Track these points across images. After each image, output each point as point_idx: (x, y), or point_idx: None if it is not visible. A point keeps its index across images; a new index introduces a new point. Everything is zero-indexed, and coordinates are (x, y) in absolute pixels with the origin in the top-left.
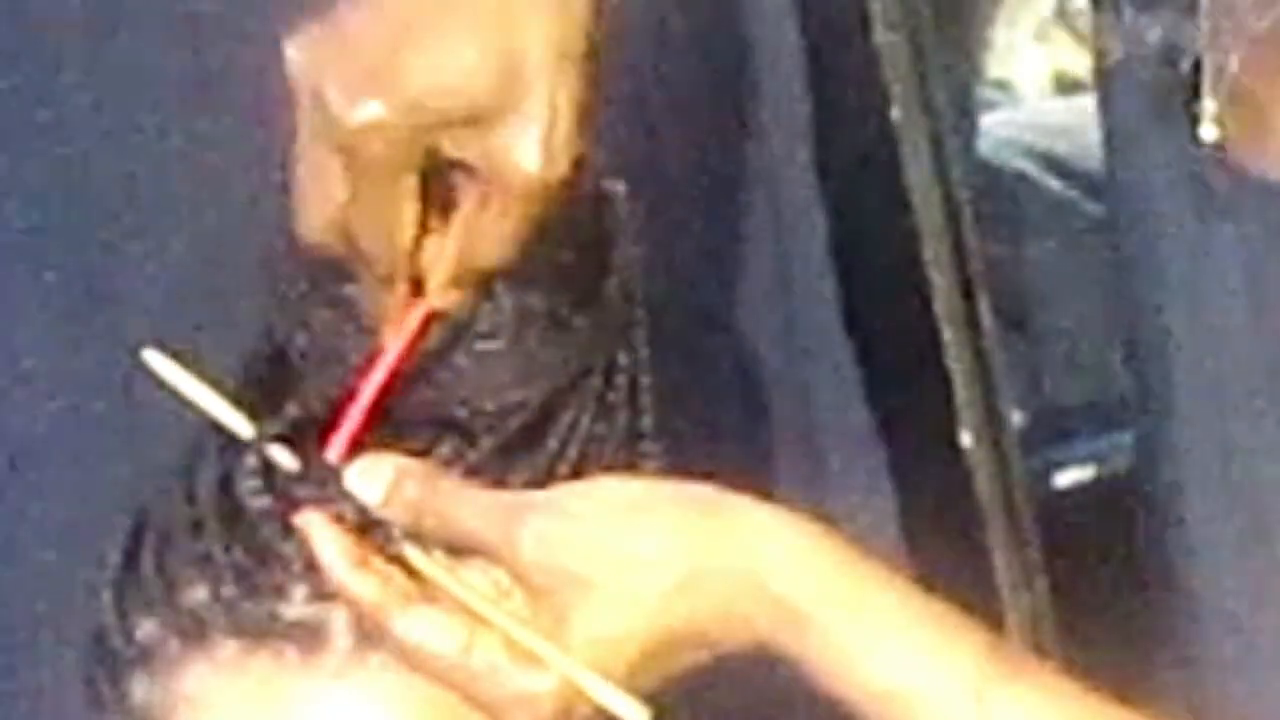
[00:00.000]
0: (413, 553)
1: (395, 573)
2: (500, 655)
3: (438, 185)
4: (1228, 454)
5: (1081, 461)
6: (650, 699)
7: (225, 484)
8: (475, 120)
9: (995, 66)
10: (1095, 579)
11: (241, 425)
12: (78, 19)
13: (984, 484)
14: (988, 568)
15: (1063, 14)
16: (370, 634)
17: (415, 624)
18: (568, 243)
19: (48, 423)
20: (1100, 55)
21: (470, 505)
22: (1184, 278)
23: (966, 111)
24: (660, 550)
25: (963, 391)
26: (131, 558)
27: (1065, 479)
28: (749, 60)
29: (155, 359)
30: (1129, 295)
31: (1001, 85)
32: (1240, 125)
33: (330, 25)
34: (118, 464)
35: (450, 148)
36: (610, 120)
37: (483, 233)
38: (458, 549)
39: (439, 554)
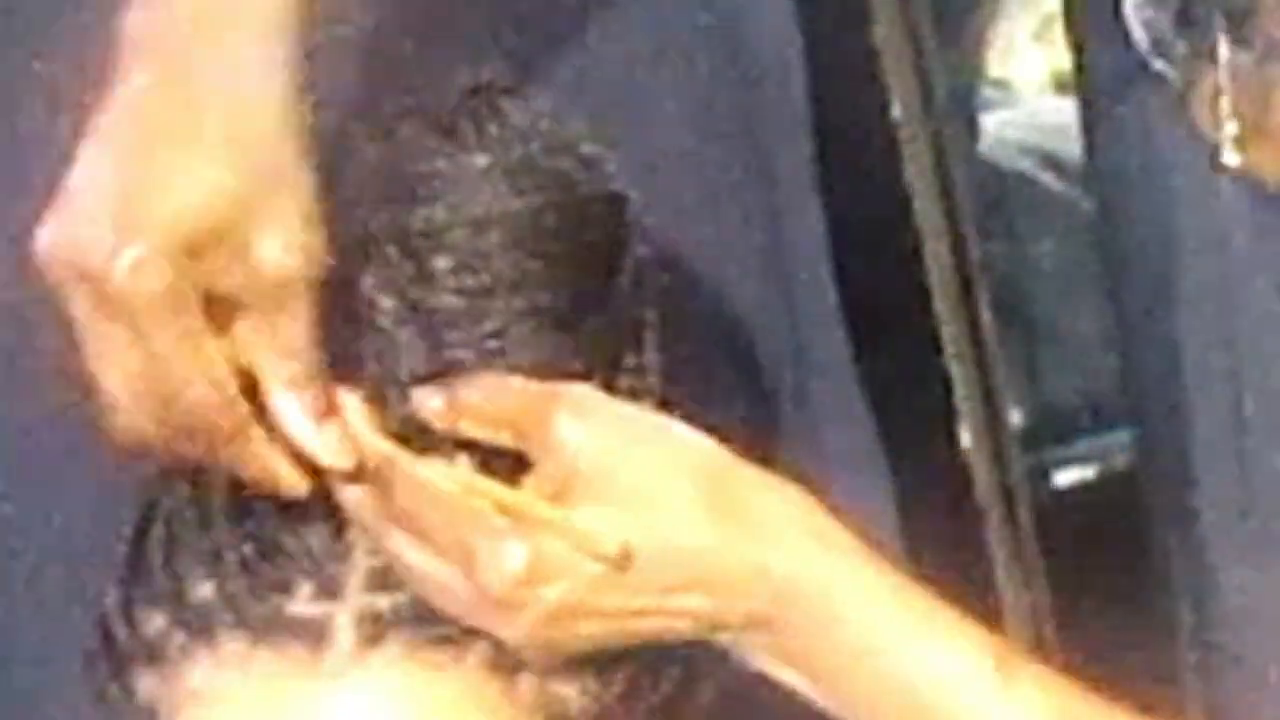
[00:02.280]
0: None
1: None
2: (490, 511)
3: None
4: (1240, 454)
5: (1081, 461)
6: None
7: (233, 478)
8: (229, 239)
9: (995, 66)
10: (1095, 578)
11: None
12: None
13: (984, 483)
14: (987, 567)
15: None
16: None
17: (424, 464)
18: (578, 242)
19: (52, 416)
20: (1087, 61)
21: (515, 384)
22: (1198, 276)
23: (966, 110)
24: (689, 471)
25: (962, 391)
26: (139, 552)
27: (1065, 478)
28: (749, 60)
29: None
30: (1135, 293)
31: (1001, 84)
32: (1266, 152)
33: (63, 202)
34: (122, 459)
35: (212, 281)
36: (611, 120)
37: (272, 347)
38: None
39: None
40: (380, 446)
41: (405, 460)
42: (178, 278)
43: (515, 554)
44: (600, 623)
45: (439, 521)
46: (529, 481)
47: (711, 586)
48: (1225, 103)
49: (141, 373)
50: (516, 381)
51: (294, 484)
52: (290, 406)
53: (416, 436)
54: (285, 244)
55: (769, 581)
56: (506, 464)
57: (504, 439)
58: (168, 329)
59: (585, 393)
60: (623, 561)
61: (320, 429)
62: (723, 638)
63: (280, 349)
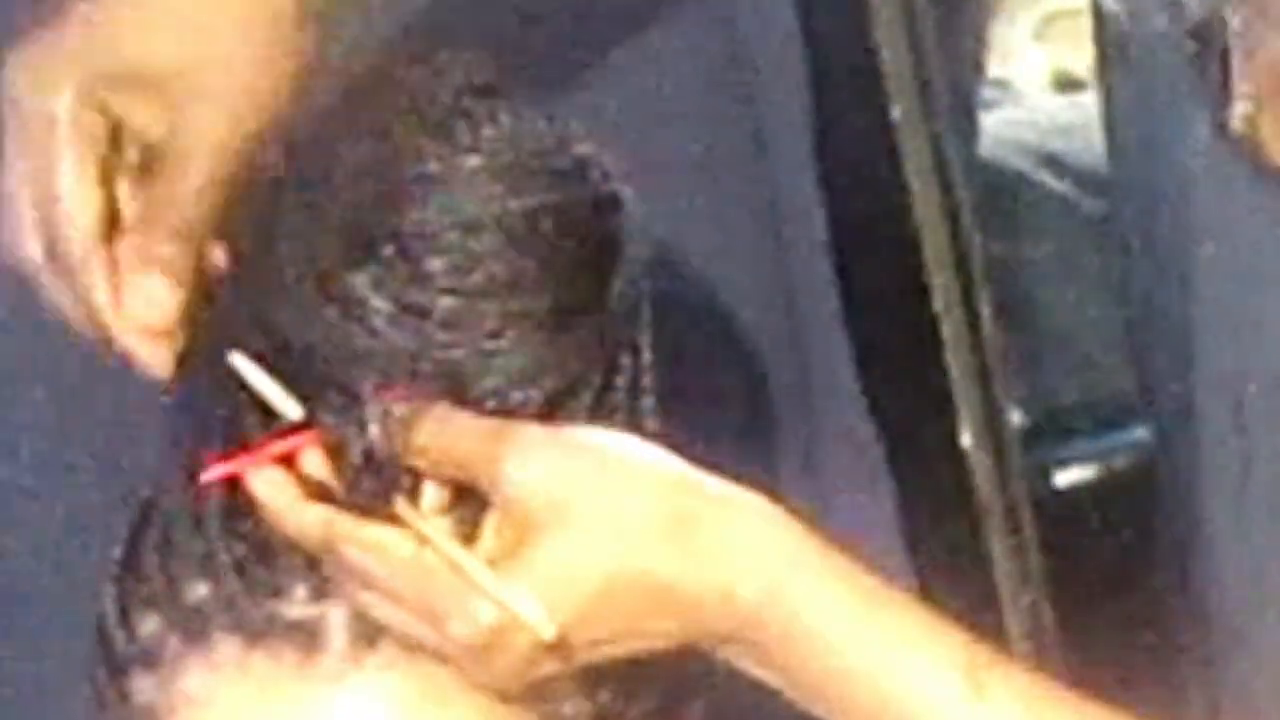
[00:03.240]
0: (400, 504)
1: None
2: (444, 569)
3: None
4: (1246, 453)
5: (1081, 461)
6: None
7: (229, 481)
8: (156, 89)
9: (995, 65)
10: (1095, 578)
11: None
12: None
13: (984, 483)
14: (988, 567)
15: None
16: (334, 583)
17: (368, 534)
18: (572, 244)
19: (47, 420)
20: (1105, 48)
21: (463, 423)
22: (1206, 272)
23: (966, 110)
24: (650, 496)
25: (962, 391)
26: (133, 554)
27: (1065, 478)
28: (749, 60)
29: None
30: (1143, 291)
31: (1001, 84)
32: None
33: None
34: (116, 462)
35: (134, 119)
36: (611, 121)
37: (170, 196)
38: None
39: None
40: (318, 515)
41: (348, 524)
42: (83, 104)
43: (484, 610)
44: (571, 661)
45: (397, 582)
46: (490, 522)
47: (679, 615)
48: (1234, 78)
49: (32, 192)
50: (464, 419)
51: (104, 334)
52: (127, 252)
53: (382, 468)
54: (210, 116)
55: (738, 606)
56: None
57: (459, 478)
58: (57, 148)
59: (531, 432)
60: (558, 644)
61: (140, 277)
62: (700, 647)
63: (154, 204)
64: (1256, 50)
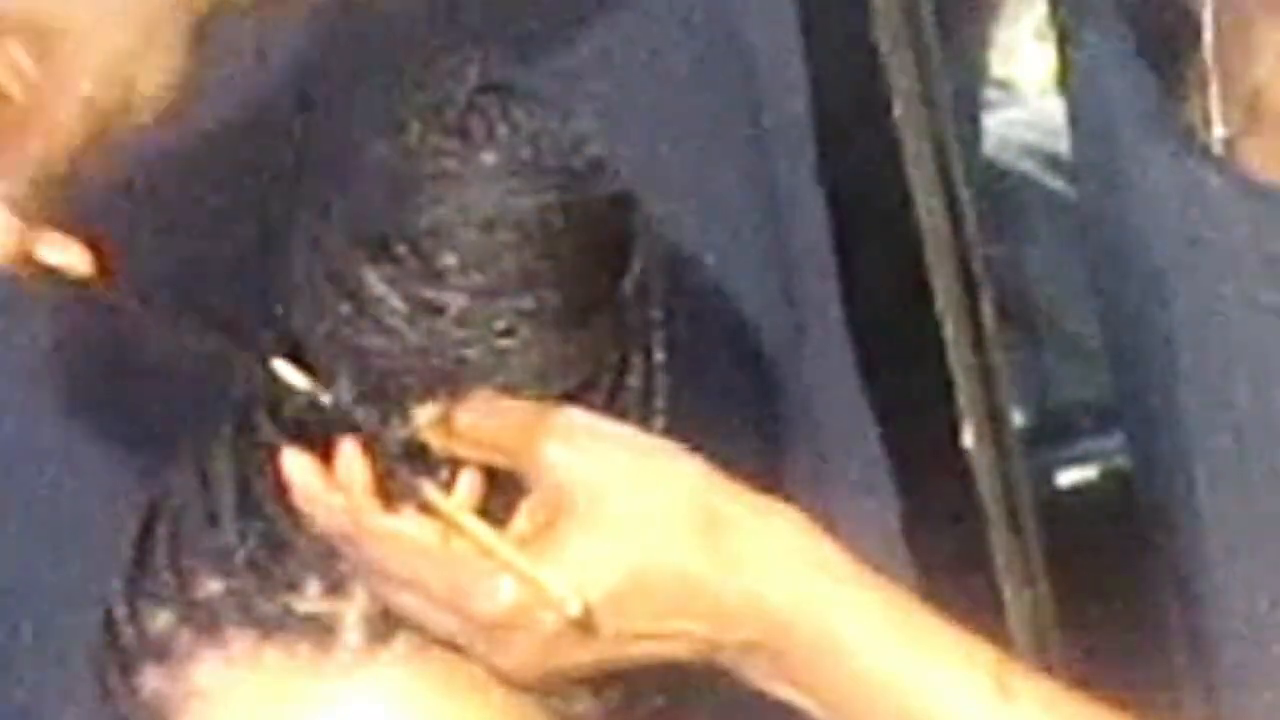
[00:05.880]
0: (431, 491)
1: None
2: (471, 553)
3: None
4: (1236, 452)
5: (1083, 461)
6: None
7: (241, 475)
8: (36, 32)
9: (997, 65)
10: (1097, 578)
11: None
12: None
13: (986, 483)
14: (990, 567)
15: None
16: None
17: (391, 524)
18: (586, 243)
19: (50, 414)
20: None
21: (506, 406)
22: (1190, 275)
23: (968, 111)
24: (682, 498)
25: (964, 391)
26: (144, 549)
27: (1067, 478)
28: (750, 60)
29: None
30: (1123, 290)
31: (1003, 84)
32: (1261, 142)
33: None
34: (122, 456)
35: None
36: (614, 123)
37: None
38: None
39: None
40: (343, 504)
41: (372, 515)
42: None
43: (506, 586)
44: (594, 650)
45: (420, 568)
46: (524, 505)
47: (706, 615)
48: (1214, 94)
49: None
50: (507, 402)
51: None
52: None
53: (418, 457)
54: (81, 67)
55: (766, 612)
56: (512, 479)
57: (498, 462)
58: None
59: (575, 416)
60: (585, 622)
61: None
62: (722, 659)
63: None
64: (1235, 78)
